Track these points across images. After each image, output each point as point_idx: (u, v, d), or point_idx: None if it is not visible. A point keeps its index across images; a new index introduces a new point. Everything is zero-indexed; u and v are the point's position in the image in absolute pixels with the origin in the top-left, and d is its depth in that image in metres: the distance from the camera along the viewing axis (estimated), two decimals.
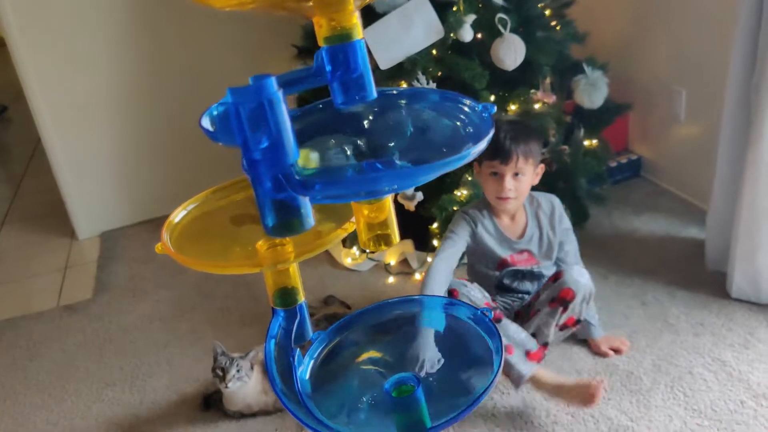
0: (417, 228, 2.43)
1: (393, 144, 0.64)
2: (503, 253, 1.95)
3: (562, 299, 1.84)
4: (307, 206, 0.56)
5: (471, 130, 0.63)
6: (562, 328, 1.90)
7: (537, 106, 2.35)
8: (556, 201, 1.99)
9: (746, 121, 1.98)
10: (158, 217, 3.16)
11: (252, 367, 1.88)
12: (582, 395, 1.73)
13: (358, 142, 0.63)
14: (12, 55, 2.81)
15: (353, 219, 0.70)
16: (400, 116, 0.69)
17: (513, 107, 2.32)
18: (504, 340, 1.80)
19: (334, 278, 2.51)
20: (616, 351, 1.95)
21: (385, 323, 0.86)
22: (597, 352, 1.97)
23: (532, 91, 2.36)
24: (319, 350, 0.81)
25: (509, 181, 1.82)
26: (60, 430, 1.99)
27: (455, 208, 2.26)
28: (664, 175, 2.83)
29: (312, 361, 0.79)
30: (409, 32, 2.18)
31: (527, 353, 1.83)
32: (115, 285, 2.70)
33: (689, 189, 2.69)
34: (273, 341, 0.71)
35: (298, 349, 0.74)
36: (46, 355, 2.33)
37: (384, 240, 0.68)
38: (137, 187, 3.13)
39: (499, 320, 1.86)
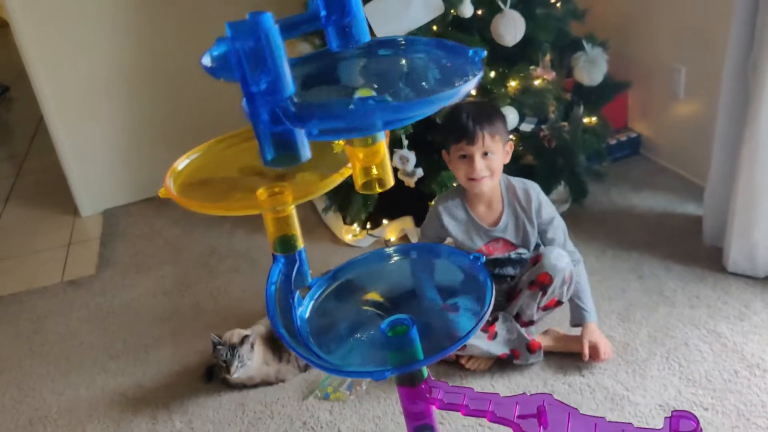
0: (417, 204, 2.45)
1: (387, 84, 0.66)
2: (476, 244, 1.92)
3: (540, 283, 1.83)
4: (303, 139, 0.58)
5: (461, 73, 0.65)
6: (545, 308, 1.89)
7: (536, 82, 2.36)
8: (532, 189, 1.91)
9: (744, 98, 2.00)
10: None
11: (252, 347, 1.91)
12: (592, 350, 1.86)
13: (355, 85, 0.65)
14: (15, 35, 2.82)
15: (349, 164, 0.72)
16: (394, 61, 0.71)
17: (513, 83, 2.33)
18: (506, 348, 1.84)
19: (334, 254, 2.54)
20: (593, 350, 1.86)
21: (383, 268, 0.89)
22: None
23: (532, 67, 2.38)
24: (319, 293, 0.84)
25: (479, 161, 1.78)
26: (65, 399, 2.02)
27: (455, 184, 2.27)
28: (663, 153, 2.84)
29: (312, 302, 0.81)
30: (409, 8, 2.19)
31: (528, 346, 1.87)
32: (118, 261, 2.73)
33: (688, 166, 2.70)
34: (273, 287, 0.73)
35: (298, 292, 0.77)
36: (50, 329, 2.36)
37: (379, 183, 0.70)
38: (139, 165, 3.15)
39: (495, 335, 1.88)
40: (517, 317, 1.91)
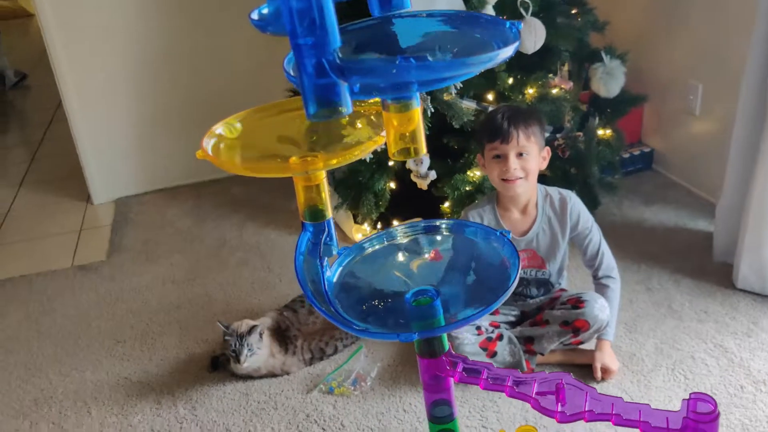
0: (429, 206, 2.46)
1: (428, 49, 0.68)
2: None
3: (575, 327, 1.82)
4: (346, 93, 0.59)
5: (500, 42, 0.67)
6: (566, 345, 1.88)
7: (554, 91, 2.37)
8: (569, 199, 1.89)
9: (761, 115, 2.00)
10: (174, 186, 3.21)
11: (261, 337, 1.92)
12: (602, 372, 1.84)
13: (396, 48, 0.66)
14: (39, 21, 2.86)
15: (383, 133, 0.74)
16: (433, 29, 0.73)
17: (530, 91, 2.34)
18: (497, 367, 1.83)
19: None
20: (603, 372, 1.84)
21: (412, 241, 0.90)
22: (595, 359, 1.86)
23: (550, 76, 2.39)
24: (348, 260, 0.85)
25: (513, 161, 1.76)
26: (71, 381, 2.03)
27: (468, 188, 2.29)
28: (675, 169, 2.85)
29: (340, 269, 0.83)
30: (432, 7, 2.20)
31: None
32: (128, 248, 2.74)
33: (700, 183, 2.71)
34: (302, 256, 0.75)
35: (327, 260, 0.78)
36: (59, 311, 2.38)
37: (413, 151, 0.71)
38: (154, 155, 3.17)
39: (494, 354, 1.86)
40: (530, 341, 1.88)
